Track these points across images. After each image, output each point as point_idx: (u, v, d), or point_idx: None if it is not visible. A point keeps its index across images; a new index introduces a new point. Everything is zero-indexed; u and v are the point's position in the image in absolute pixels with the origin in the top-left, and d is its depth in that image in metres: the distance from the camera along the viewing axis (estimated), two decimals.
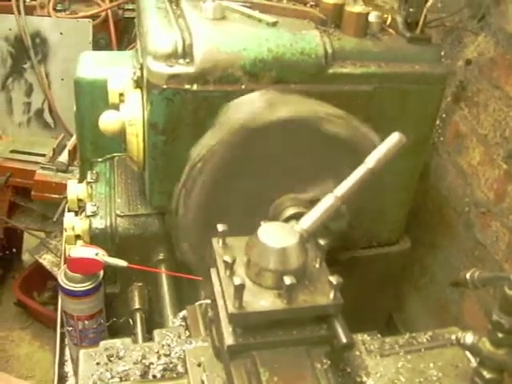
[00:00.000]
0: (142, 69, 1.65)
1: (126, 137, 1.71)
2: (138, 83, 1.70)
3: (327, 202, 1.15)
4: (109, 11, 3.65)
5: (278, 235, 1.08)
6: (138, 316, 1.87)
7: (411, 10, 1.68)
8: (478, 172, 2.03)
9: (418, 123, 1.77)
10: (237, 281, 1.00)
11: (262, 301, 1.05)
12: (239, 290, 1.01)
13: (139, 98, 1.68)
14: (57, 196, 3.00)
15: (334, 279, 1.06)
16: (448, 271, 2.24)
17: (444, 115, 2.22)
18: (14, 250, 3.78)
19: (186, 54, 1.53)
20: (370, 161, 1.17)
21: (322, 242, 1.12)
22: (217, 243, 1.15)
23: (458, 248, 2.17)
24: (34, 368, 3.38)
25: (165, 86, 1.51)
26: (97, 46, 3.59)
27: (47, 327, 3.42)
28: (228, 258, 1.07)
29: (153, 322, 1.87)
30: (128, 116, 1.68)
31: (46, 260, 3.23)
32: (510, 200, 1.87)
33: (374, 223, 1.90)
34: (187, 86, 1.51)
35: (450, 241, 2.22)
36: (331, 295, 1.07)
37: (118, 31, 3.73)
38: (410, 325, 2.44)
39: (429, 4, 1.66)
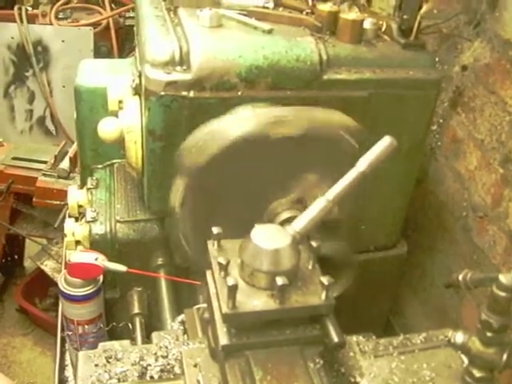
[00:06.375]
0: (140, 76, 1.67)
1: (124, 144, 1.73)
2: (137, 90, 1.73)
3: (319, 204, 1.17)
4: (110, 19, 3.69)
5: (270, 237, 1.10)
6: (137, 320, 1.89)
7: (405, 16, 1.70)
8: (475, 176, 2.05)
9: (412, 128, 1.79)
10: (230, 281, 1.02)
11: (255, 301, 1.07)
12: (232, 290, 1.03)
13: (137, 105, 1.70)
14: (58, 202, 3.02)
15: (325, 280, 1.08)
16: (446, 275, 2.24)
17: (441, 120, 2.23)
18: (16, 256, 3.80)
19: (183, 61, 1.55)
20: (362, 164, 1.19)
21: (314, 243, 1.15)
22: (212, 245, 1.17)
23: (456, 252, 2.19)
24: (35, 374, 3.40)
25: (162, 93, 1.53)
26: (98, 53, 3.62)
27: (49, 333, 3.44)
28: (222, 260, 1.09)
29: (152, 326, 1.88)
30: (126, 123, 1.70)
31: (48, 266, 3.25)
32: (506, 204, 1.89)
33: (370, 227, 1.92)
34: (184, 93, 1.53)
35: (448, 245, 2.24)
36: (323, 295, 1.09)
37: (120, 39, 3.76)
38: (409, 329, 2.44)
39: (423, 11, 1.68)
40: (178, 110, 1.55)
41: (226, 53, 1.55)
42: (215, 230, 1.17)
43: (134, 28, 2.08)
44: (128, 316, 1.91)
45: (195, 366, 1.21)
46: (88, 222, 1.88)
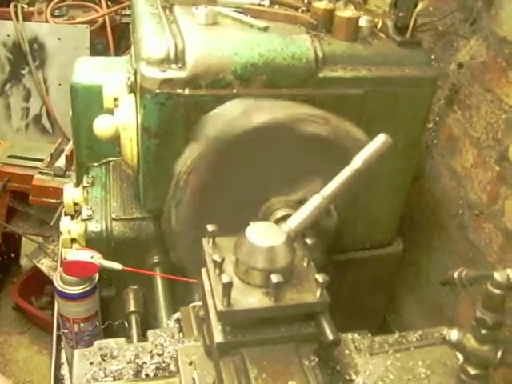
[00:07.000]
0: (135, 74, 1.66)
1: (120, 141, 1.73)
2: (132, 88, 1.72)
3: (314, 202, 1.17)
4: (106, 17, 3.68)
5: (265, 234, 1.10)
6: (133, 319, 1.88)
7: (401, 14, 1.70)
8: (472, 174, 2.05)
9: (408, 126, 1.79)
10: (225, 279, 1.02)
11: (250, 299, 1.07)
12: (227, 287, 1.03)
13: (133, 103, 1.70)
14: (54, 201, 3.02)
15: (320, 277, 1.07)
16: (442, 273, 2.24)
17: (437, 118, 2.23)
18: (12, 254, 3.79)
19: (179, 59, 1.55)
20: (357, 161, 1.19)
21: (309, 241, 1.14)
22: (207, 243, 1.17)
23: (452, 250, 2.19)
24: (32, 372, 3.40)
25: (157, 91, 1.53)
26: (94, 51, 3.61)
27: (45, 332, 3.43)
28: (217, 258, 1.09)
29: (148, 324, 1.88)
30: (122, 120, 1.70)
31: (44, 264, 3.25)
32: (502, 202, 1.89)
33: (366, 225, 1.92)
34: (179, 91, 1.53)
35: (444, 243, 2.24)
36: (318, 293, 1.09)
37: (116, 37, 3.75)
38: (405, 327, 2.44)
39: (418, 8, 1.68)
40: (174, 107, 1.55)
41: (222, 50, 1.55)
42: (210, 227, 1.17)
43: (130, 26, 2.07)
44: (124, 314, 1.90)
45: (190, 363, 1.21)
46: (84, 220, 1.88)
